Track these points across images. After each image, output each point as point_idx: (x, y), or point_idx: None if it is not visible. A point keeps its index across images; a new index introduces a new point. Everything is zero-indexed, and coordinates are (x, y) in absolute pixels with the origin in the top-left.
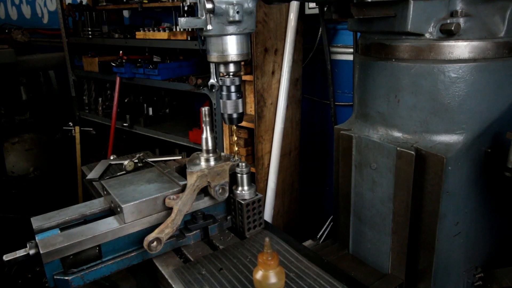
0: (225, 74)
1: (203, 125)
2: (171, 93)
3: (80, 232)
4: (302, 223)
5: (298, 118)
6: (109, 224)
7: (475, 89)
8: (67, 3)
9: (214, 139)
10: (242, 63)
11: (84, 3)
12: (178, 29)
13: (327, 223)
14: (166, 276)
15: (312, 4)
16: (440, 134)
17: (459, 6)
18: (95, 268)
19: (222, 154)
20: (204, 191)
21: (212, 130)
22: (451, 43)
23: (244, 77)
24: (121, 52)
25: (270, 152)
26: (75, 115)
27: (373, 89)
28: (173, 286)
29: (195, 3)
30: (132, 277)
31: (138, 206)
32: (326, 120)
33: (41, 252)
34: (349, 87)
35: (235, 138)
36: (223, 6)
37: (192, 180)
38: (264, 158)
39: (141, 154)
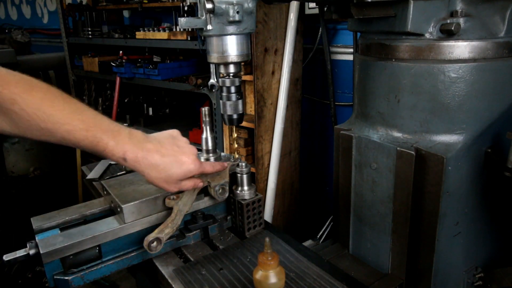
0: (225, 74)
1: (203, 125)
2: (171, 93)
3: (80, 232)
4: (302, 223)
5: (298, 118)
6: (109, 224)
7: (475, 89)
8: (67, 3)
9: (214, 139)
10: (242, 63)
11: (84, 3)
12: (178, 29)
13: (327, 223)
14: (166, 276)
15: (312, 4)
16: (440, 134)
17: (459, 6)
18: (95, 268)
19: (222, 154)
20: (204, 191)
21: (212, 130)
22: (451, 43)
23: (244, 77)
24: (121, 52)
25: (270, 152)
26: None
27: (373, 89)
28: (173, 286)
29: (195, 3)
30: (132, 277)
31: (138, 206)
32: (326, 120)
33: (41, 252)
34: (349, 87)
35: (236, 145)
36: (223, 6)
37: None
38: (264, 158)
39: None
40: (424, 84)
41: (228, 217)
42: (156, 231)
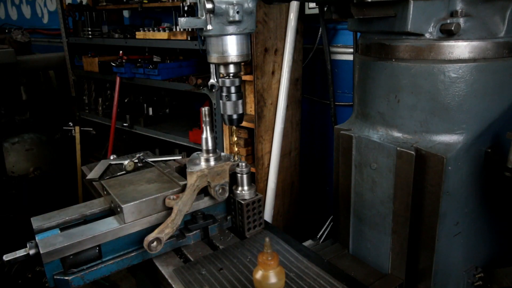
0: (225, 75)
1: (203, 125)
2: (171, 93)
3: (80, 232)
4: (302, 223)
5: (298, 118)
6: (109, 224)
7: (475, 89)
8: (67, 3)
9: (214, 139)
10: (242, 63)
11: (84, 3)
12: (178, 29)
13: (327, 223)
14: (166, 276)
15: (312, 4)
16: (440, 134)
17: (459, 6)
18: (95, 268)
19: (222, 154)
20: (204, 191)
21: (212, 130)
22: (451, 43)
23: (244, 77)
24: (121, 52)
25: (270, 152)
26: (75, 115)
27: (373, 89)
28: (173, 286)
29: (195, 3)
30: (132, 277)
31: (138, 206)
32: (326, 120)
33: (41, 252)
34: (349, 87)
35: (235, 143)
36: (223, 6)
37: (192, 180)
38: (264, 158)
39: (141, 154)
40: (424, 84)
41: (228, 217)
42: (156, 231)
